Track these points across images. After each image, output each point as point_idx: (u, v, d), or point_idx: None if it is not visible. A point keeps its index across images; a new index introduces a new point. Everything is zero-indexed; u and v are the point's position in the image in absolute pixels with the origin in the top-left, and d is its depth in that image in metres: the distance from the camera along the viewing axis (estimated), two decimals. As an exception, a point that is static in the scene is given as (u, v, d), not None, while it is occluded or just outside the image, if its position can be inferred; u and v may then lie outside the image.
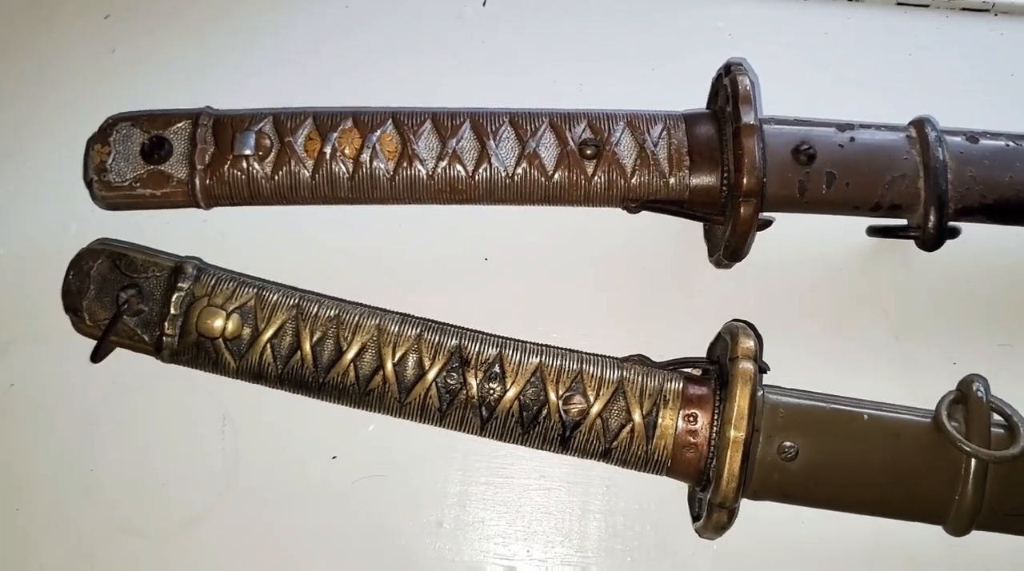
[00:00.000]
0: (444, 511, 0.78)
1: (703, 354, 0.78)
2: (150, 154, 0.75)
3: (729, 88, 0.75)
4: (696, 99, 0.83)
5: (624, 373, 0.72)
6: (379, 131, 0.76)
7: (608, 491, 0.78)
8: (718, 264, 0.79)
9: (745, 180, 0.72)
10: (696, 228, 0.83)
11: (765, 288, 0.81)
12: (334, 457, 0.79)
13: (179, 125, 0.76)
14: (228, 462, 0.79)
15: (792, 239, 0.81)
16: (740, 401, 0.68)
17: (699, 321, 0.79)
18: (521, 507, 0.78)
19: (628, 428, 0.71)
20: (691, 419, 0.71)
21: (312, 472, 0.78)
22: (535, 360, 0.72)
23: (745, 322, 0.74)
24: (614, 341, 0.78)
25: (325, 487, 0.78)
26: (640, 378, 0.72)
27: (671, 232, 0.82)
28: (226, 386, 0.74)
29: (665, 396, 0.71)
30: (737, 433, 0.67)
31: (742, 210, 0.72)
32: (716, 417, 0.70)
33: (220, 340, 0.71)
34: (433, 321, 0.75)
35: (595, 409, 0.71)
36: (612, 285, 0.82)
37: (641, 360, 0.73)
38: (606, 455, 0.72)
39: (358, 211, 0.78)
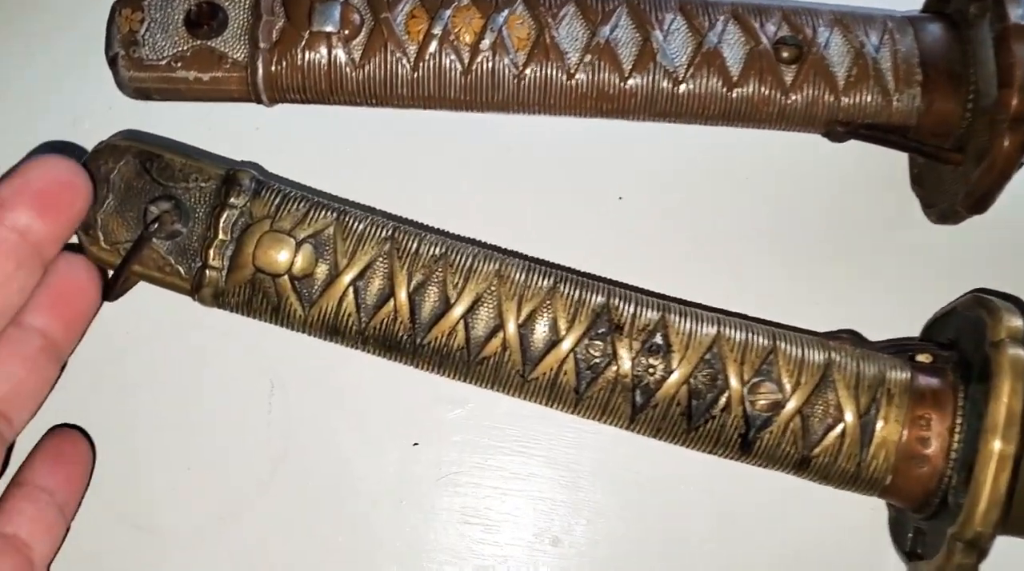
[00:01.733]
0: (555, 522, 0.59)
1: (915, 333, 0.59)
2: (198, 24, 0.56)
3: (987, -22, 0.55)
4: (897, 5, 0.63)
5: (832, 355, 0.53)
6: (506, 11, 0.56)
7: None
8: (943, 217, 0.59)
9: (1016, 97, 0.52)
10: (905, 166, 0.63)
11: (1005, 247, 0.61)
12: (415, 444, 0.60)
13: (238, -11, 0.57)
14: (274, 443, 0.60)
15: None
16: (1010, 401, 0.49)
17: (914, 288, 0.60)
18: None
19: (837, 431, 0.52)
20: (922, 423, 0.52)
21: (383, 462, 0.60)
22: (711, 330, 0.53)
23: (990, 292, 0.55)
24: (796, 311, 0.59)
25: (401, 482, 0.59)
26: (854, 363, 0.53)
27: (876, 169, 0.62)
28: (276, 340, 0.56)
29: (888, 389, 0.52)
30: (1005, 446, 0.48)
31: (1007, 139, 0.53)
32: (959, 421, 0.51)
33: (285, 278, 0.52)
34: (570, 270, 0.55)
35: (793, 403, 0.52)
36: (793, 239, 0.63)
37: (852, 338, 0.54)
38: (801, 466, 0.53)
39: (465, 121, 0.59)
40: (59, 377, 0.54)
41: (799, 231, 0.62)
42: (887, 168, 0.62)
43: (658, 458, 0.58)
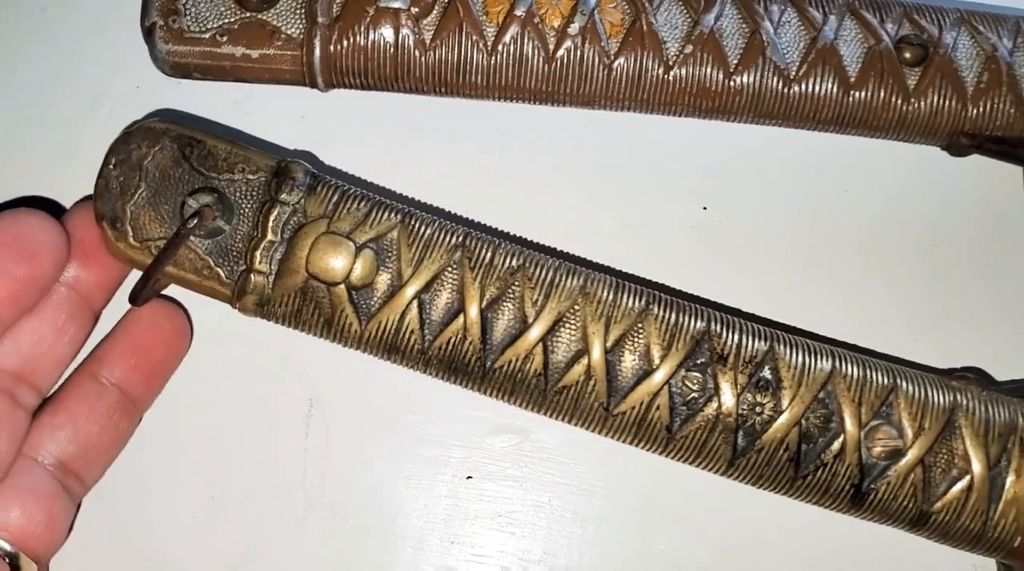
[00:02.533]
0: None
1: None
2: (248, -6, 0.49)
3: None
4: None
5: (958, 398, 0.47)
6: (599, -8, 0.50)
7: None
8: (1073, 245, 0.53)
9: None
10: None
11: None
12: (469, 477, 0.53)
13: (295, -44, 0.50)
14: (311, 471, 0.53)
15: None
16: None
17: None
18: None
19: (963, 484, 0.46)
20: (1059, 477, 0.45)
21: (432, 496, 0.53)
22: (825, 365, 0.46)
23: None
24: (909, 341, 0.53)
25: (451, 521, 0.52)
26: (982, 407, 0.47)
27: (992, 182, 0.56)
28: (317, 351, 0.49)
29: (1021, 438, 0.46)
30: None
31: None
32: (1106, 479, 0.45)
33: (342, 287, 0.45)
34: (664, 289, 0.49)
35: (915, 451, 0.45)
36: (905, 260, 0.56)
37: (978, 379, 0.48)
38: (919, 522, 0.46)
39: (540, 114, 0.52)
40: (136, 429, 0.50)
41: (911, 252, 0.56)
42: (1004, 181, 0.56)
43: (754, 506, 0.51)
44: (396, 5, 0.49)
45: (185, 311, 0.51)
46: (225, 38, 0.49)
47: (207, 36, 0.49)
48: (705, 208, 0.57)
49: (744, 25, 0.50)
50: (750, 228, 0.57)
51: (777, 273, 0.56)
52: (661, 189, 0.57)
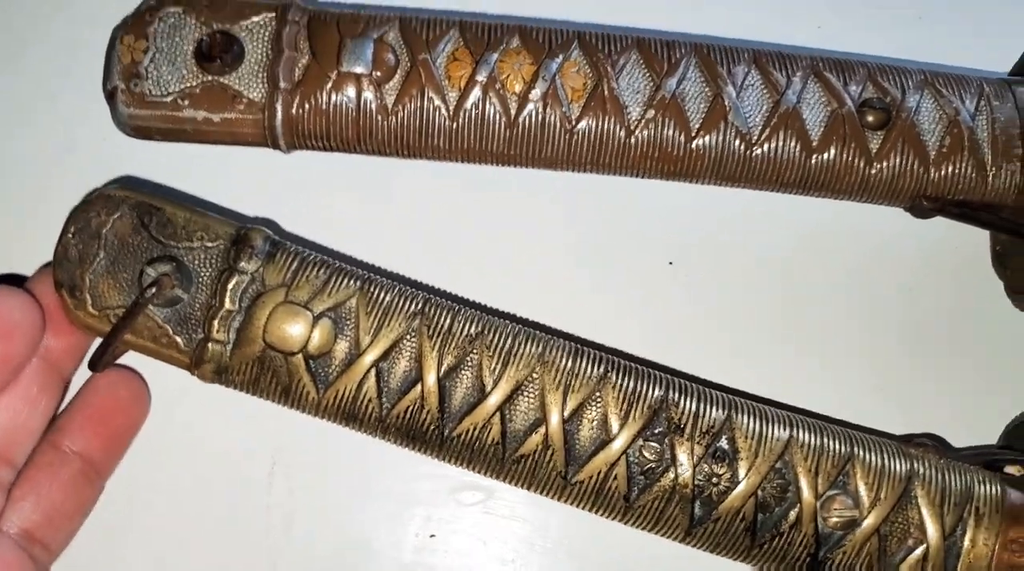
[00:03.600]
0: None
1: (1002, 434, 0.53)
2: (210, 57, 0.49)
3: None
4: (990, 62, 0.57)
5: (915, 466, 0.47)
6: (561, 57, 0.50)
7: None
8: (1033, 305, 0.53)
9: None
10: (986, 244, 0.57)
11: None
12: (432, 536, 0.53)
13: (256, 18, 0.50)
14: (273, 530, 0.53)
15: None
16: None
17: (1002, 382, 0.54)
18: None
19: (918, 553, 0.46)
20: (1015, 547, 0.46)
21: (395, 555, 0.53)
22: (782, 433, 0.46)
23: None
24: (867, 404, 0.53)
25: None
26: (938, 475, 0.47)
27: (954, 244, 0.56)
28: (279, 410, 0.49)
29: (977, 507, 0.46)
30: (1124, 590, 0.42)
31: (1125, 232, 0.47)
32: (1062, 550, 0.45)
33: (299, 356, 0.45)
34: (622, 355, 0.49)
35: (871, 520, 0.46)
36: (863, 323, 0.56)
37: (935, 445, 0.48)
38: (876, 590, 0.46)
39: (503, 172, 0.52)
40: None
41: (868, 314, 0.56)
42: (966, 242, 0.56)
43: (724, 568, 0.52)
44: (358, 70, 0.49)
45: (141, 378, 0.51)
46: (187, 102, 0.49)
47: (169, 100, 0.49)
48: (671, 263, 0.57)
49: (707, 88, 0.50)
50: (717, 283, 0.57)
51: (743, 329, 0.56)
52: (626, 244, 0.57)
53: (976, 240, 0.56)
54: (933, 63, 0.56)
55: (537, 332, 0.48)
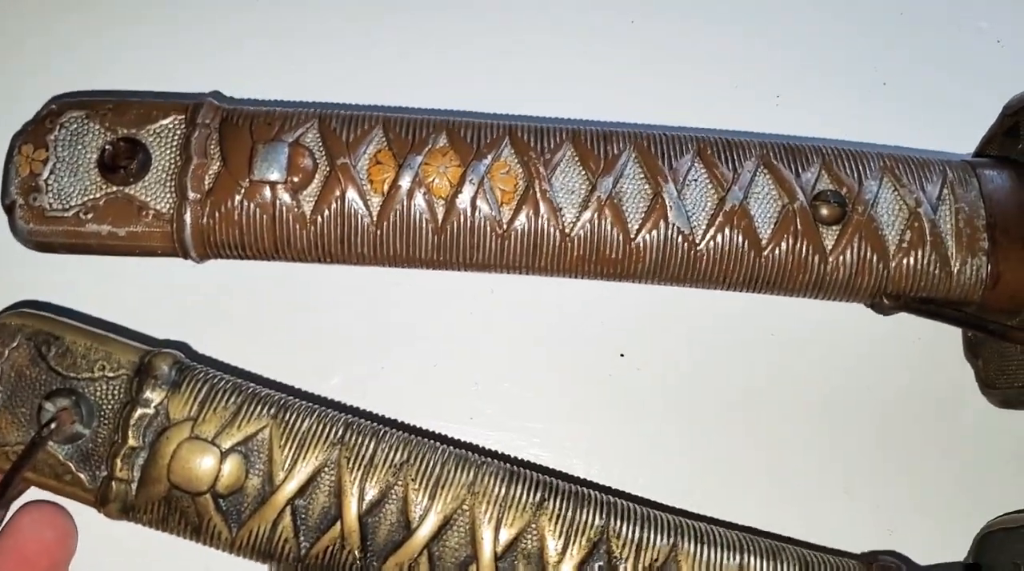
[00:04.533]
0: None
1: (971, 546, 0.49)
2: (113, 167, 0.46)
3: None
4: (953, 136, 0.54)
5: (877, 593, 0.43)
6: (489, 157, 0.47)
7: None
8: (1007, 401, 0.50)
9: (1110, 287, 0.43)
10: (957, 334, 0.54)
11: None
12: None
13: (164, 122, 0.47)
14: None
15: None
16: None
17: (962, 491, 0.51)
18: None
19: None
20: None
21: None
22: (732, 560, 0.43)
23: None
24: (824, 510, 0.50)
25: None
26: (902, 603, 0.43)
27: (918, 337, 0.53)
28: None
29: (945, 639, 0.43)
30: None
31: (1097, 337, 0.43)
32: None
33: (208, 496, 0.42)
34: (561, 477, 0.46)
35: (833, 655, 0.42)
36: (827, 421, 0.53)
37: (898, 565, 0.44)
38: None
39: (438, 277, 0.49)
40: None
41: (825, 407, 0.53)
42: (936, 329, 0.53)
43: None
44: (272, 177, 0.45)
45: (67, 512, 0.48)
46: (90, 215, 0.46)
47: (70, 214, 0.46)
48: (623, 355, 0.54)
49: (646, 186, 0.47)
50: (670, 379, 0.54)
51: (698, 431, 0.53)
52: (576, 337, 0.54)
53: (948, 332, 0.53)
54: (895, 145, 0.53)
55: (471, 455, 0.45)
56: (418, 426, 0.51)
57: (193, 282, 0.50)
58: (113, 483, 0.42)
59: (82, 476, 0.43)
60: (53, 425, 0.42)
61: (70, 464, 0.43)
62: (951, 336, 0.54)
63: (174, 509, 0.42)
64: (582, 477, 0.52)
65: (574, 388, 0.53)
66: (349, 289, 0.52)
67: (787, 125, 0.56)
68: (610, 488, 0.51)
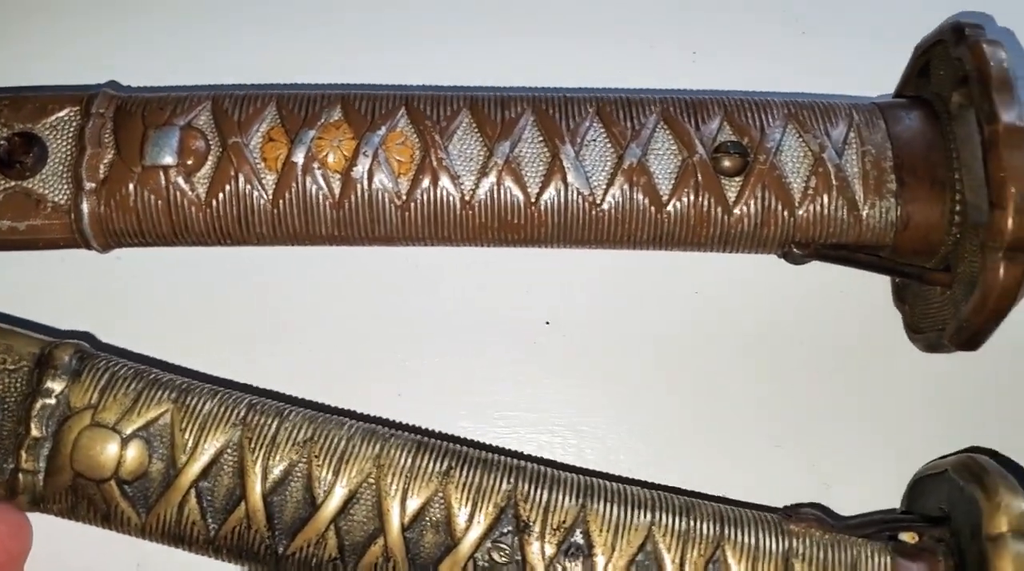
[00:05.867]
0: None
1: (904, 490, 0.49)
2: (10, 162, 0.46)
3: (971, 64, 0.44)
4: (877, 82, 0.53)
5: (793, 544, 0.43)
6: (384, 127, 0.46)
7: None
8: (931, 346, 0.49)
9: (1011, 221, 0.42)
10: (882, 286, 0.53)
11: (1003, 378, 0.51)
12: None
13: (60, 114, 0.47)
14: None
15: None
16: (1016, 620, 0.39)
17: (897, 435, 0.50)
18: None
19: (802, 641, 0.42)
20: (909, 626, 0.42)
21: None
22: (643, 519, 0.43)
23: (991, 452, 0.45)
24: (757, 465, 0.50)
25: None
26: (819, 551, 0.43)
27: (850, 282, 0.52)
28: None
29: (863, 585, 0.42)
30: None
31: (1002, 271, 0.42)
32: (955, 626, 0.41)
33: (112, 483, 0.42)
34: (469, 444, 0.45)
35: (746, 608, 0.42)
36: (748, 375, 0.52)
37: (818, 517, 0.44)
38: None
39: (349, 252, 0.49)
40: None
41: (755, 362, 0.52)
42: (863, 280, 0.52)
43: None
44: (165, 161, 0.45)
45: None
46: (-11, 211, 0.46)
47: (-32, 211, 0.46)
48: (548, 323, 0.54)
49: (545, 149, 0.46)
50: (597, 343, 0.53)
51: (626, 391, 0.52)
52: (501, 307, 0.54)
53: (877, 281, 0.52)
54: (814, 92, 0.52)
55: (379, 429, 0.44)
56: (341, 407, 0.51)
57: (99, 272, 0.50)
58: (20, 475, 0.43)
59: (-10, 471, 0.43)
60: (-44, 421, 0.43)
61: (-23, 460, 0.43)
62: (880, 285, 0.53)
63: (81, 497, 0.43)
64: (513, 449, 0.52)
65: (501, 358, 0.53)
66: (261, 270, 0.52)
67: (706, 82, 0.55)
68: (536, 457, 0.51)
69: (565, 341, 0.53)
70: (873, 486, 0.50)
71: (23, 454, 0.42)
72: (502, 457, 0.44)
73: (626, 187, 0.46)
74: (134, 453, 0.42)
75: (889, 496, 0.50)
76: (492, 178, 0.46)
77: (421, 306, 0.53)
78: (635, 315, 0.53)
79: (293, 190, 0.46)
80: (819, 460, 0.51)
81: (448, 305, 0.53)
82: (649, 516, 0.43)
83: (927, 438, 0.50)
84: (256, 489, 0.42)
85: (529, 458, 0.46)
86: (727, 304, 0.53)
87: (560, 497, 0.43)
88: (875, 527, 0.44)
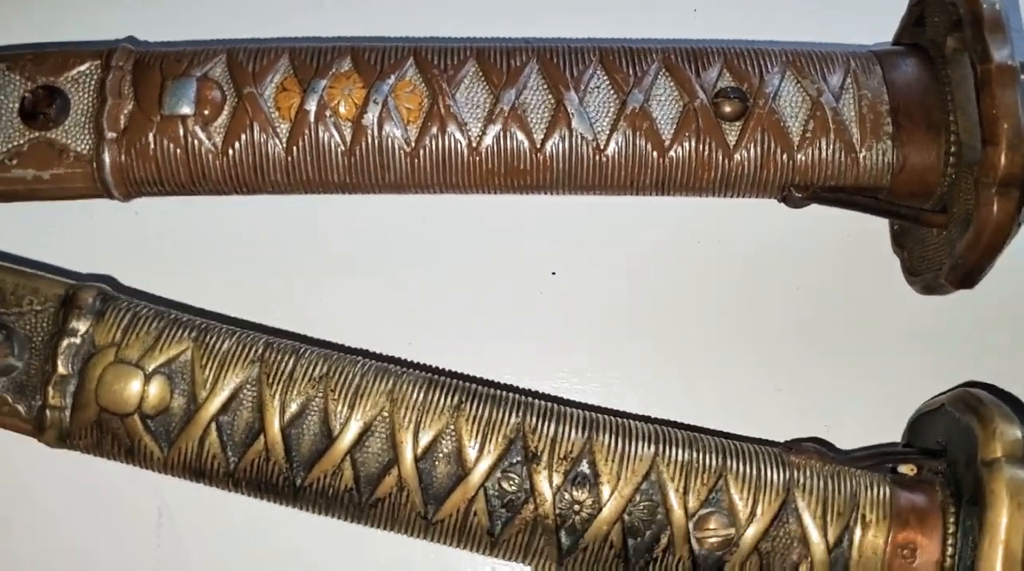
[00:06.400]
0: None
1: (904, 429, 0.50)
2: (34, 113, 0.48)
3: (964, 7, 0.45)
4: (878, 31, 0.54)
5: (795, 474, 0.44)
6: (393, 76, 0.48)
7: None
8: (929, 289, 0.50)
9: (1003, 156, 0.43)
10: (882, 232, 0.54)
11: (1004, 319, 0.52)
12: (329, 579, 0.52)
13: (81, 67, 0.49)
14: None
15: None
16: (1008, 538, 0.40)
17: (897, 376, 0.51)
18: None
19: (803, 568, 0.43)
20: (905, 553, 0.43)
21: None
22: (647, 450, 0.44)
23: (987, 387, 0.46)
24: (758, 408, 0.51)
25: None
26: (821, 483, 0.44)
27: (848, 226, 0.53)
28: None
29: (863, 515, 0.44)
30: (1006, 588, 0.40)
31: (996, 206, 0.44)
32: (950, 553, 0.42)
33: (135, 417, 0.44)
34: (478, 381, 0.47)
35: (750, 535, 0.43)
36: (750, 316, 0.54)
37: (818, 450, 0.45)
38: (762, 609, 0.44)
39: (358, 201, 0.51)
40: None
41: (756, 307, 0.54)
42: (861, 225, 0.53)
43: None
44: (183, 110, 0.47)
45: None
46: (15, 161, 0.47)
47: (-4, 161, 0.47)
48: (554, 273, 0.55)
49: (550, 96, 0.47)
50: (602, 290, 0.54)
51: (629, 335, 0.54)
52: (508, 257, 0.55)
53: (875, 226, 0.53)
54: (815, 39, 0.53)
55: (391, 366, 0.46)
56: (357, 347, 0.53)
57: (120, 221, 0.52)
58: (47, 411, 0.44)
59: (19, 407, 0.45)
60: (-14, 359, 0.44)
61: (7, 396, 0.45)
62: (878, 229, 0.54)
63: (106, 432, 0.44)
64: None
65: (508, 306, 0.55)
66: (273, 219, 0.53)
67: (707, 35, 0.56)
68: (542, 394, 0.52)
69: (571, 290, 0.55)
70: (873, 426, 0.51)
71: (50, 390, 0.44)
72: (510, 393, 0.46)
73: (629, 133, 0.47)
74: (156, 389, 0.44)
75: (889, 435, 0.51)
76: (498, 125, 0.47)
77: (430, 257, 0.54)
78: (638, 263, 0.54)
79: (306, 138, 0.47)
80: (819, 401, 0.52)
81: (456, 255, 0.54)
82: (653, 448, 0.44)
83: (926, 378, 0.51)
84: (274, 423, 0.44)
85: (536, 395, 0.48)
86: (728, 250, 0.54)
87: (567, 430, 0.44)
88: (875, 460, 0.46)
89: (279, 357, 0.45)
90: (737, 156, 0.47)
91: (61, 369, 0.44)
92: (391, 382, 0.45)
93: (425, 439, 0.44)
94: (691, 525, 0.43)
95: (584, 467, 0.44)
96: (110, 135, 0.47)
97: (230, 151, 0.47)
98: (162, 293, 0.51)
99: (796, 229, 0.53)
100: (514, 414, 0.45)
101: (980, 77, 0.44)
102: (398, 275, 0.54)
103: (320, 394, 0.44)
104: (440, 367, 0.53)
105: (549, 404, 0.46)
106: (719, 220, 0.54)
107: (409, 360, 0.53)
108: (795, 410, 0.52)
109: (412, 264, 0.54)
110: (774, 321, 0.53)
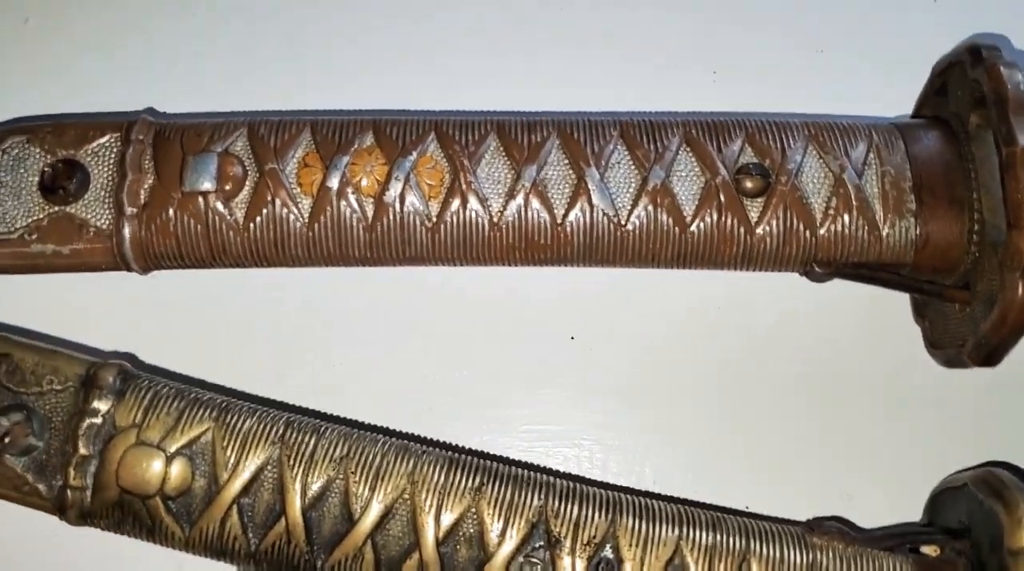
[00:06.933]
0: None
1: (925, 505, 0.50)
2: (53, 187, 0.48)
3: (989, 86, 0.45)
4: (894, 101, 0.54)
5: (817, 557, 0.44)
6: (415, 152, 0.48)
7: None
8: (950, 363, 0.50)
9: (1028, 240, 0.43)
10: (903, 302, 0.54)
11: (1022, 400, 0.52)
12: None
13: (101, 140, 0.49)
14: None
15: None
16: (1038, 633, 0.40)
17: (920, 452, 0.51)
18: None
19: (827, 653, 0.43)
20: (930, 637, 0.43)
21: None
22: (671, 533, 0.44)
23: (1010, 467, 0.46)
24: (779, 484, 0.51)
25: None
26: (842, 565, 0.44)
27: (867, 304, 0.53)
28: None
29: (886, 597, 0.43)
30: None
31: (1021, 290, 0.43)
32: (977, 639, 0.42)
33: (157, 499, 0.44)
34: (499, 460, 0.47)
35: (771, 621, 0.43)
36: (770, 389, 0.53)
37: (840, 530, 0.45)
38: None
39: (380, 272, 0.50)
40: None
41: (776, 377, 0.53)
42: (883, 296, 0.53)
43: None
44: (204, 187, 0.47)
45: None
46: (34, 236, 0.47)
47: (15, 236, 0.47)
48: (573, 338, 0.55)
49: (570, 171, 0.47)
50: (620, 355, 0.54)
51: (648, 398, 0.53)
52: (527, 323, 0.55)
53: (897, 298, 0.53)
54: (837, 114, 0.53)
55: (411, 445, 0.46)
56: (373, 422, 0.52)
57: (141, 294, 0.52)
58: (68, 491, 0.44)
59: (40, 486, 0.45)
60: (7, 439, 0.44)
61: (27, 476, 0.45)
62: (900, 301, 0.54)
63: (127, 513, 0.44)
64: (539, 464, 0.53)
65: (527, 373, 0.54)
66: (294, 290, 0.53)
67: (726, 101, 0.56)
68: (563, 472, 0.52)
69: (590, 356, 0.55)
70: (895, 500, 0.51)
71: (71, 471, 0.44)
72: (532, 473, 0.46)
73: (650, 208, 0.47)
74: (178, 470, 0.44)
75: (911, 510, 0.51)
76: (519, 200, 0.47)
77: (450, 324, 0.54)
78: (658, 331, 0.54)
79: (328, 214, 0.47)
80: (841, 474, 0.52)
81: (476, 322, 0.54)
82: (677, 530, 0.44)
83: (947, 452, 0.50)
84: (295, 505, 0.44)
85: (556, 473, 0.47)
86: (749, 320, 0.54)
87: (590, 512, 0.44)
88: (897, 540, 0.45)
89: (300, 437, 0.45)
90: (759, 232, 0.47)
91: (82, 450, 0.44)
92: (412, 463, 0.45)
93: (447, 522, 0.44)
94: (716, 610, 0.43)
95: (608, 552, 0.43)
96: (130, 210, 0.47)
97: (251, 226, 0.47)
98: (180, 363, 0.51)
99: (817, 299, 0.53)
100: (537, 496, 0.44)
101: (1005, 159, 0.44)
102: (419, 342, 0.54)
103: (341, 476, 0.44)
104: (460, 432, 0.53)
105: (572, 484, 0.45)
106: (739, 289, 0.53)
107: (429, 424, 0.53)
108: (817, 481, 0.52)
109: (433, 330, 0.54)
110: (796, 392, 0.53)
